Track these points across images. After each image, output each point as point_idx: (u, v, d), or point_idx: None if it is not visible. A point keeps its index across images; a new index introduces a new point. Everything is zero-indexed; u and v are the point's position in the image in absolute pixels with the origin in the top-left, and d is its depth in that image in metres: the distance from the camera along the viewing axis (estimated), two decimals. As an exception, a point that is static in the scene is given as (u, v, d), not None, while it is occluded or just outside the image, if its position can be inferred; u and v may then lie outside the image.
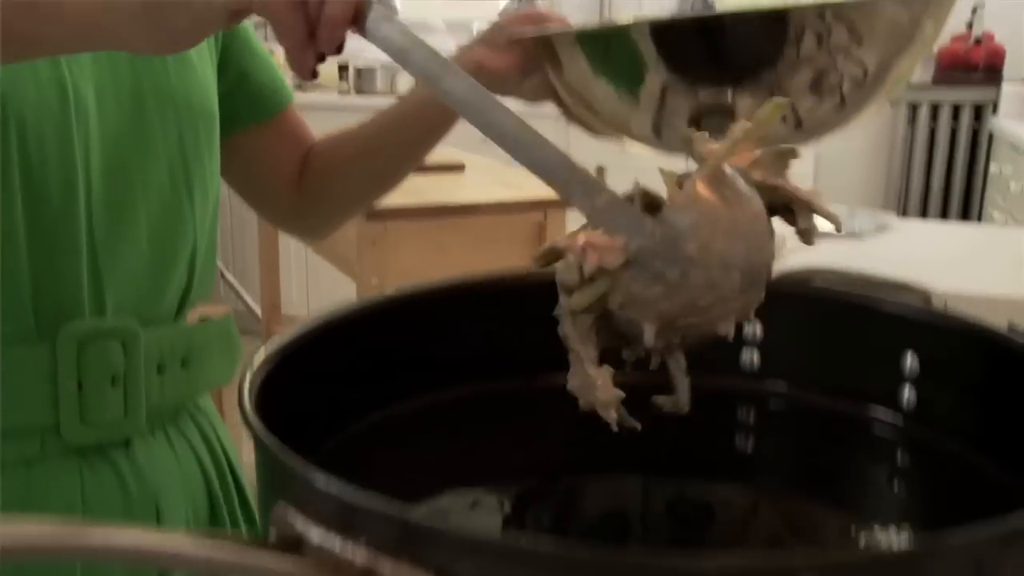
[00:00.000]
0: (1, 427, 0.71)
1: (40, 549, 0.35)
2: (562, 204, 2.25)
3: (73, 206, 0.71)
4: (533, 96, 0.81)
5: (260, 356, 0.52)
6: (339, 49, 0.61)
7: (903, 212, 3.82)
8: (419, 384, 0.65)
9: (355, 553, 0.39)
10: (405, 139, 0.89)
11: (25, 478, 0.73)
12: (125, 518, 0.75)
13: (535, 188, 2.28)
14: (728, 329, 0.53)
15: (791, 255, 1.24)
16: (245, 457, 0.72)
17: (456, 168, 2.44)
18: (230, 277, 3.81)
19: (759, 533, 0.57)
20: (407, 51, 0.58)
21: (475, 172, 2.44)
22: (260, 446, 0.45)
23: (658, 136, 0.76)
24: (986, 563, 0.39)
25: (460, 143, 2.93)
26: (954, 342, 0.63)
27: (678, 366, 0.66)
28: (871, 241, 1.33)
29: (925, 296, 0.69)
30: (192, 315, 0.83)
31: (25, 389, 0.72)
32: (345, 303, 0.62)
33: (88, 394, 0.73)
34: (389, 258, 2.12)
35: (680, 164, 0.57)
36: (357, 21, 0.59)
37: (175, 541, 0.36)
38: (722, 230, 0.50)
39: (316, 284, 3.76)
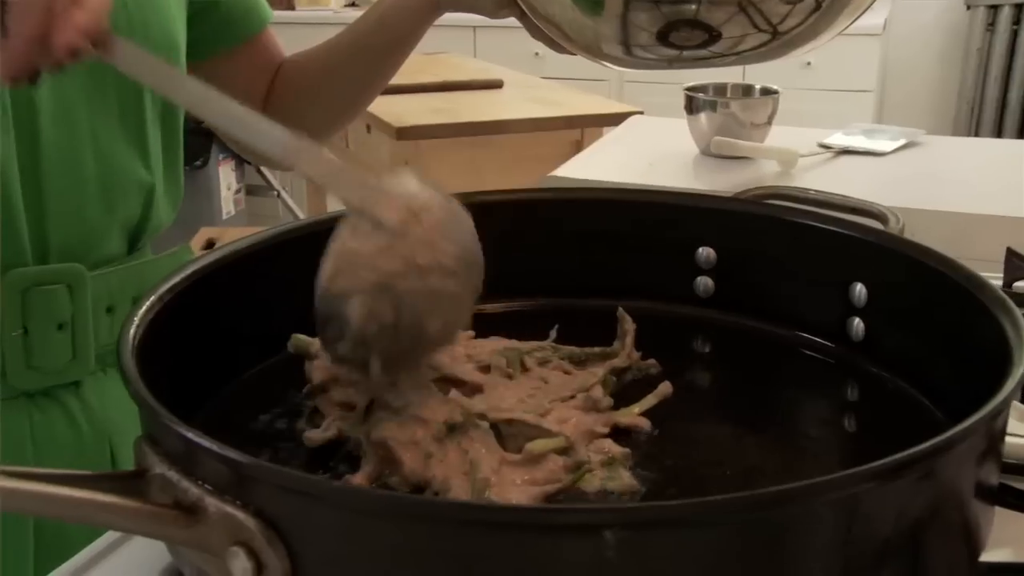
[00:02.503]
0: None
1: None
2: (599, 121, 2.21)
3: (6, 152, 0.69)
4: (495, 10, 0.78)
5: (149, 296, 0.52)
6: (60, 64, 0.53)
7: (975, 130, 3.65)
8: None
9: (187, 489, 0.39)
10: (368, 58, 0.86)
11: None
12: (77, 458, 0.75)
13: (573, 105, 2.23)
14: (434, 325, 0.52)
15: (799, 173, 1.20)
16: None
17: (494, 85, 2.40)
18: (286, 197, 3.84)
19: (702, 462, 0.55)
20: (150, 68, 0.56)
21: (514, 88, 2.40)
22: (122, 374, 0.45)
23: (628, 54, 0.73)
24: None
25: (500, 59, 2.89)
26: (901, 270, 0.60)
27: (625, 317, 0.64)
28: (890, 159, 1.27)
29: (883, 218, 0.65)
30: (196, 242, 0.82)
31: None
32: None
33: (34, 340, 0.72)
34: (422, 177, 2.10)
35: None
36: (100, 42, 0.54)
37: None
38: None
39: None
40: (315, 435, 0.53)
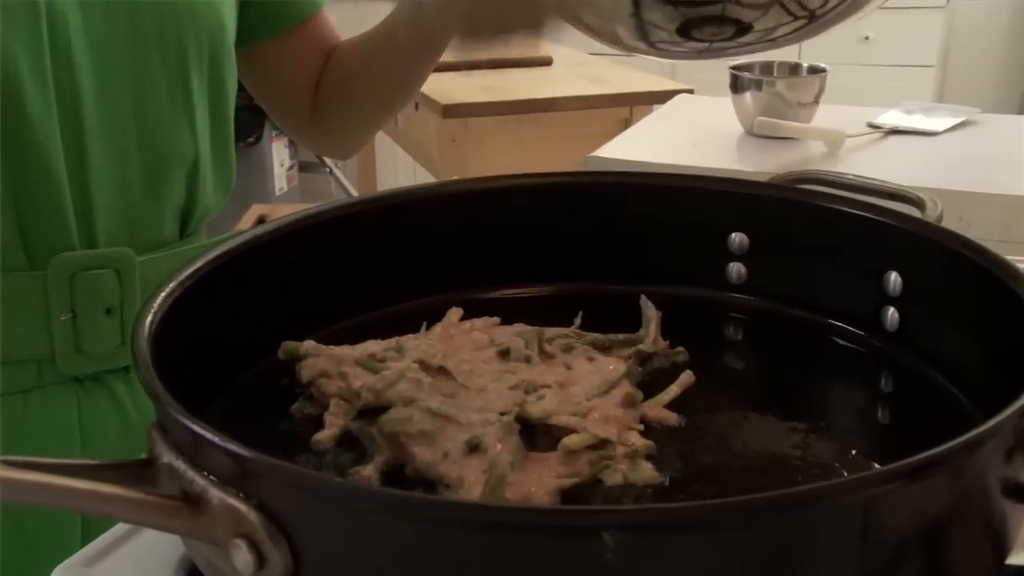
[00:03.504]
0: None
1: None
2: (648, 99, 2.18)
3: (52, 132, 0.69)
4: None
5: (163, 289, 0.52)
6: None
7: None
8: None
9: (193, 480, 0.39)
10: (397, 52, 0.85)
11: (22, 407, 0.73)
12: (124, 445, 0.76)
13: (622, 82, 2.21)
14: None
15: (846, 154, 1.17)
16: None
17: (543, 62, 2.38)
18: (339, 175, 3.85)
19: (726, 453, 0.54)
20: None
21: (562, 66, 2.37)
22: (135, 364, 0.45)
23: (651, 46, 0.72)
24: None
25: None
26: (937, 260, 0.58)
27: (647, 304, 0.63)
28: (943, 139, 1.23)
29: (921, 204, 0.63)
30: (247, 219, 0.82)
31: (19, 319, 0.71)
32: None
33: (82, 324, 0.73)
34: (470, 155, 2.10)
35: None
36: None
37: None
38: None
39: (423, 179, 3.79)
40: (323, 436, 0.53)
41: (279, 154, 3.69)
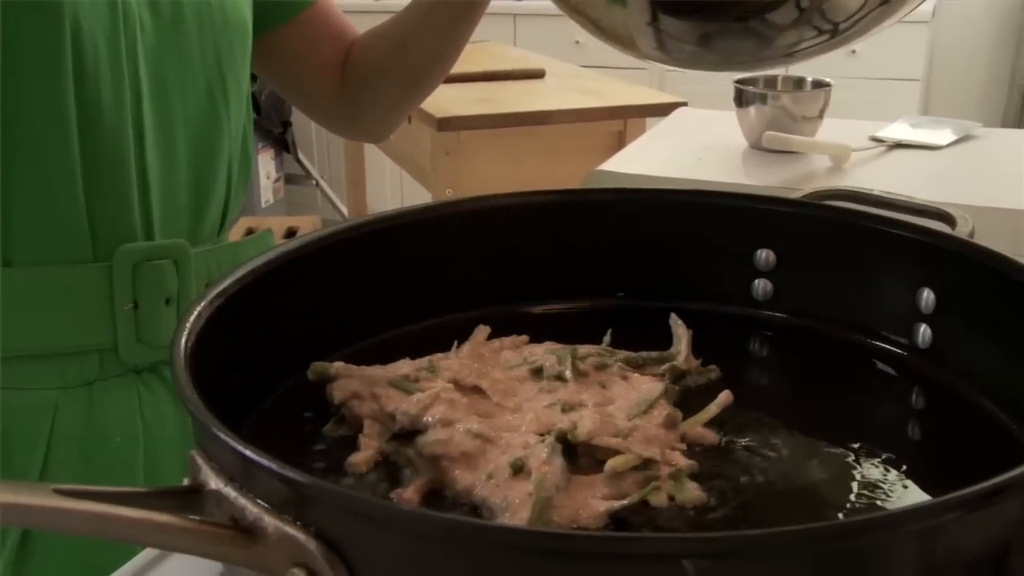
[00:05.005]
0: (63, 349, 0.73)
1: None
2: (642, 112, 2.18)
3: (123, 121, 0.71)
4: None
5: (197, 302, 0.51)
6: None
7: (1029, 121, 3.56)
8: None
9: (244, 508, 0.38)
10: (435, 28, 0.85)
11: (86, 399, 0.74)
12: (183, 436, 0.77)
13: (615, 95, 2.21)
14: None
15: (851, 168, 1.17)
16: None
17: (536, 75, 2.38)
18: (325, 187, 3.84)
19: (767, 472, 0.53)
20: None
21: (555, 79, 2.37)
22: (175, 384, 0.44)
23: (669, 56, 0.71)
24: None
25: (541, 47, 2.86)
26: (974, 277, 0.58)
27: (677, 322, 0.63)
28: (947, 153, 1.24)
29: (951, 220, 0.63)
30: (236, 231, 0.84)
31: (83, 311, 0.73)
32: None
33: (144, 314, 0.74)
34: (463, 168, 2.09)
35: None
36: None
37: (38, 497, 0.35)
38: None
39: (411, 192, 3.77)
40: (358, 459, 0.52)
41: (265, 166, 3.68)
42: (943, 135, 1.28)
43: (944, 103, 3.45)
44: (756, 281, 0.68)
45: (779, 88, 1.30)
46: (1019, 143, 1.37)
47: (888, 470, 0.53)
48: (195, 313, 0.51)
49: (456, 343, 0.61)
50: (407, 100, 0.93)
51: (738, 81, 1.26)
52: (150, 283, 0.74)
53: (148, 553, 0.51)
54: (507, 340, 0.62)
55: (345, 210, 3.68)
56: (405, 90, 0.92)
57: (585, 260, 0.69)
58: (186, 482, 0.42)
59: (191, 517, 0.38)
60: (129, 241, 0.73)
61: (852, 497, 0.50)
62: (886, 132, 1.29)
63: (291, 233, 3.23)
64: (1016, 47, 3.52)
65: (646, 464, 0.49)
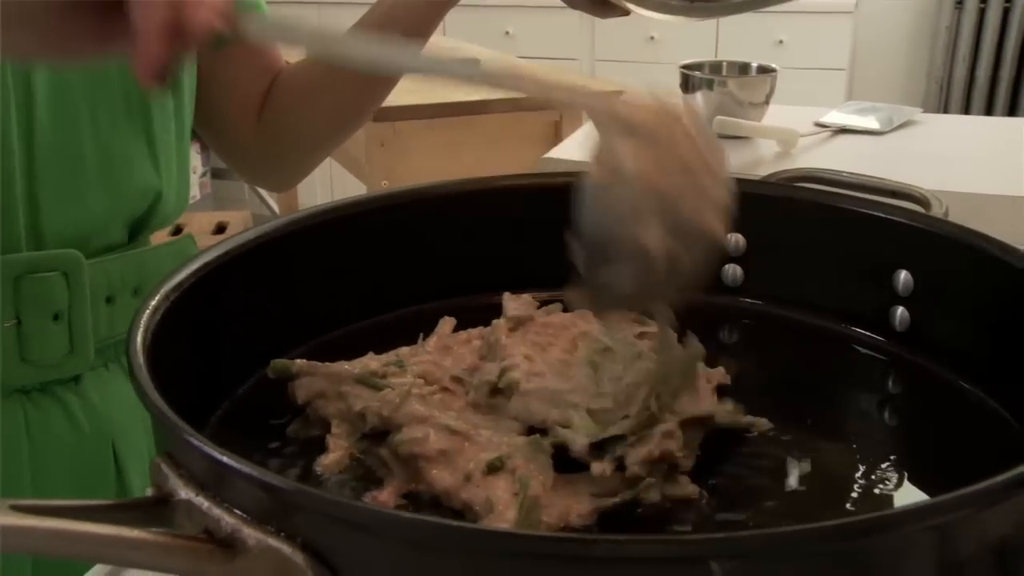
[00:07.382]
0: None
1: None
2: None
3: (6, 135, 0.65)
4: None
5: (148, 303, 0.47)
6: (199, 44, 0.46)
7: (944, 107, 3.64)
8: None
9: (220, 519, 0.35)
10: (346, 81, 0.81)
11: None
12: (77, 459, 0.70)
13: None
14: (715, 224, 0.47)
15: (799, 153, 1.17)
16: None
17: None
18: (253, 180, 3.76)
19: (754, 464, 0.51)
20: (292, 29, 0.51)
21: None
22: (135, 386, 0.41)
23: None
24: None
25: (471, 38, 2.84)
26: (953, 257, 0.57)
27: (663, 316, 0.61)
28: (890, 138, 1.24)
29: (925, 202, 0.62)
30: (159, 236, 0.78)
31: None
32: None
33: (28, 331, 0.67)
34: (399, 160, 2.05)
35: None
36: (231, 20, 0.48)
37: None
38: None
39: (342, 186, 3.71)
40: (328, 461, 0.49)
41: (191, 160, 3.59)
42: (885, 120, 1.28)
43: (868, 92, 3.50)
44: (726, 266, 0.66)
45: (725, 73, 1.29)
46: (959, 128, 1.39)
47: (881, 461, 0.52)
48: (146, 313, 0.47)
49: (422, 335, 0.58)
50: (333, 133, 0.87)
51: (684, 67, 1.25)
52: (34, 297, 0.67)
53: (100, 570, 0.47)
54: (475, 332, 0.60)
55: (275, 205, 3.61)
56: (332, 122, 0.86)
57: (549, 248, 0.66)
58: (149, 492, 0.39)
59: (162, 531, 0.34)
60: (12, 251, 0.66)
61: (853, 495, 0.48)
62: (829, 118, 1.29)
63: (220, 229, 3.15)
64: (932, 38, 3.59)
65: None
